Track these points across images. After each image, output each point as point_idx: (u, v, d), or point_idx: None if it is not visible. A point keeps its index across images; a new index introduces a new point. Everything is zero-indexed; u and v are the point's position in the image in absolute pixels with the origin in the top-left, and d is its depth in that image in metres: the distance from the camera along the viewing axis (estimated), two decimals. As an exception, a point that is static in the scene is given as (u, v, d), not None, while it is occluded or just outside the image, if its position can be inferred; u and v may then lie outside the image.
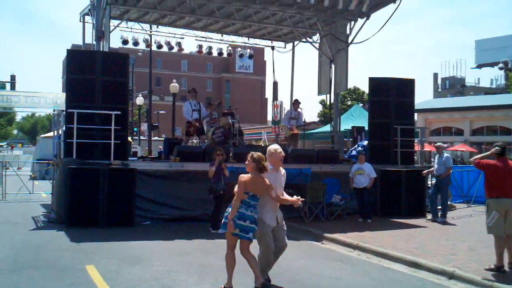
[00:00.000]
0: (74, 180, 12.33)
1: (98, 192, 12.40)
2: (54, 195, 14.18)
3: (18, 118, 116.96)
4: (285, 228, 7.43)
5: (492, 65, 75.49)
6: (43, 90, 43.86)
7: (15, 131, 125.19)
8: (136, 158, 16.26)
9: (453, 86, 78.84)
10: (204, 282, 7.57)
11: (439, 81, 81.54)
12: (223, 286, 6.88)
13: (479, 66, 79.07)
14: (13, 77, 38.70)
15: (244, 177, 6.92)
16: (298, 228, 12.73)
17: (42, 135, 38.57)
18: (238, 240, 6.91)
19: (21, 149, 76.58)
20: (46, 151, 26.48)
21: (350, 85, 62.85)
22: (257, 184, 6.92)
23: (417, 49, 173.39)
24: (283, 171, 7.50)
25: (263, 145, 27.47)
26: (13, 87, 37.26)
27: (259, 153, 7.12)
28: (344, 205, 14.52)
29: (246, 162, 7.06)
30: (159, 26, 20.51)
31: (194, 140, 17.46)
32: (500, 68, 69.47)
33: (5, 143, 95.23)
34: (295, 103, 18.45)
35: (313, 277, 8.09)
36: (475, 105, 48.36)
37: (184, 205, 13.75)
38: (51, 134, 23.71)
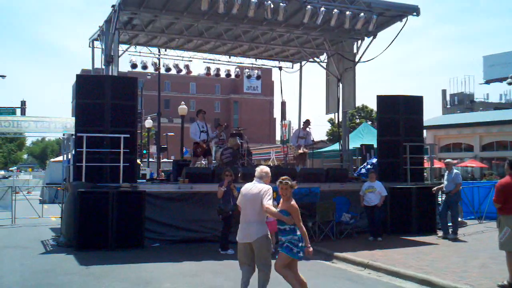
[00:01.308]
0: (83, 203, 12.37)
1: (108, 215, 12.43)
2: (64, 218, 14.20)
3: (28, 143, 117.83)
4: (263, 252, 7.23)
5: (500, 80, 75.10)
6: (52, 115, 44.27)
7: (25, 156, 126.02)
8: (145, 181, 16.32)
9: (462, 102, 78.49)
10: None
11: (448, 98, 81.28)
12: None
13: (488, 82, 78.78)
14: (23, 103, 39.02)
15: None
16: (308, 247, 12.62)
17: (52, 159, 38.81)
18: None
19: (31, 173, 76.99)
20: (55, 175, 26.63)
21: (358, 103, 62.87)
22: None
23: (424, 67, 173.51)
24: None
25: (271, 164, 27.49)
26: (23, 113, 37.59)
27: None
28: (354, 224, 14.44)
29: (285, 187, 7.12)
30: (167, 50, 20.66)
31: (202, 161, 17.50)
32: (509, 83, 69.13)
33: (15, 167, 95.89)
34: (306, 123, 18.48)
35: (323, 297, 8.02)
36: (484, 121, 48.13)
37: (193, 226, 13.73)
38: (60, 158, 23.84)
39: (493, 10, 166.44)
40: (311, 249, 7.02)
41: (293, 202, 7.09)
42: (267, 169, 7.56)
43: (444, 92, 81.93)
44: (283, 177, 7.21)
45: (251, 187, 7.35)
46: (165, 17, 17.09)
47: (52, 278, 9.27)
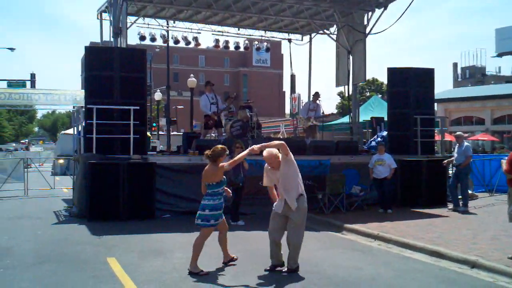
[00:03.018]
0: (94, 175, 12.47)
1: (118, 186, 12.54)
2: (75, 190, 14.34)
3: (39, 115, 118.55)
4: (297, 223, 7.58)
5: (513, 53, 74.26)
6: (62, 88, 44.36)
7: (36, 129, 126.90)
8: (155, 152, 16.36)
9: (473, 75, 77.65)
10: (225, 273, 7.61)
11: (459, 71, 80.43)
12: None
13: (500, 55, 77.71)
14: (33, 76, 39.19)
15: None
16: (318, 219, 12.71)
17: (63, 132, 39.01)
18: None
19: (42, 146, 77.55)
20: (66, 147, 26.82)
21: (369, 76, 62.55)
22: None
23: (435, 40, 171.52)
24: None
25: (281, 137, 27.47)
26: (33, 85, 37.71)
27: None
28: (364, 196, 14.46)
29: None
30: (176, 22, 20.53)
31: (212, 134, 17.50)
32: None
33: (26, 140, 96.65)
34: (315, 95, 18.37)
35: (333, 268, 8.07)
36: (495, 94, 47.68)
37: (204, 198, 13.78)
38: (71, 131, 23.97)
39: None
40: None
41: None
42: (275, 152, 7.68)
43: (455, 65, 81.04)
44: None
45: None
46: (174, -12, 16.91)
47: (65, 248, 9.39)
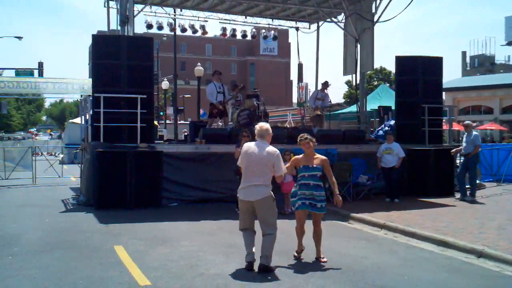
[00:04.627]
0: (102, 163, 12.51)
1: (126, 175, 12.59)
2: (83, 178, 14.41)
3: (47, 104, 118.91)
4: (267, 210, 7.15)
5: (523, 41, 73.55)
6: (70, 77, 44.40)
7: (44, 117, 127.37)
8: (162, 141, 16.40)
9: (482, 64, 76.91)
10: (231, 261, 7.62)
11: (468, 60, 79.72)
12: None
13: (510, 43, 76.84)
14: (40, 64, 39.18)
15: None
16: (324, 208, 12.69)
17: (70, 121, 39.14)
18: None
19: (50, 134, 77.87)
20: (74, 136, 26.93)
21: (376, 65, 62.05)
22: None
23: (444, 28, 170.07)
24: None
25: (288, 126, 27.42)
26: (41, 74, 37.78)
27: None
28: (371, 185, 14.43)
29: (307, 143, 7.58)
30: (183, 10, 20.49)
31: (219, 123, 17.51)
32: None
33: (35, 129, 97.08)
34: (324, 84, 18.31)
35: (339, 256, 8.08)
36: (504, 83, 47.25)
37: (210, 186, 13.84)
38: (78, 119, 24.05)
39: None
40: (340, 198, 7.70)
41: (321, 155, 7.68)
42: (268, 126, 7.40)
43: (464, 54, 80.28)
44: (301, 134, 7.61)
45: (256, 149, 7.13)
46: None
47: (72, 235, 9.45)
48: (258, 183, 7.04)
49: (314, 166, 7.53)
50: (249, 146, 7.26)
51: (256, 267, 7.03)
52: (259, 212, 7.09)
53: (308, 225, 7.72)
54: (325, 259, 7.63)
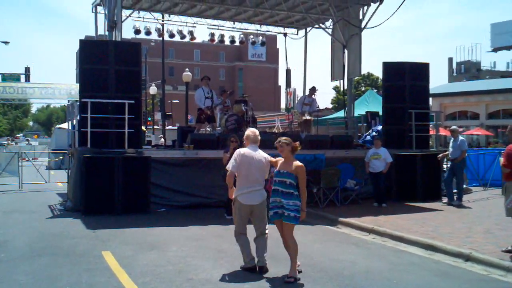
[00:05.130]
0: (89, 169, 12.44)
1: (113, 180, 12.53)
2: (70, 184, 14.29)
3: (33, 110, 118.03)
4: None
5: (508, 48, 74.26)
6: (57, 82, 44.15)
7: (30, 123, 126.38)
8: (150, 147, 16.34)
9: (468, 70, 77.63)
10: (220, 267, 7.60)
11: (454, 66, 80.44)
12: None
13: (495, 50, 77.76)
14: (27, 69, 38.93)
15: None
16: (312, 213, 12.70)
17: (57, 126, 38.88)
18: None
19: (37, 140, 77.22)
20: (61, 142, 26.74)
21: (364, 71, 62.60)
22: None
23: (431, 35, 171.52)
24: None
25: (276, 132, 27.45)
26: (27, 79, 37.54)
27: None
28: (359, 190, 14.48)
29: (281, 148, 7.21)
30: (171, 15, 20.49)
31: (207, 128, 17.49)
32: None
33: (22, 134, 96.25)
34: (312, 90, 18.37)
35: (328, 261, 8.09)
36: (490, 89, 47.77)
37: (199, 192, 13.81)
38: (66, 125, 23.89)
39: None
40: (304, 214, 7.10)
41: (298, 162, 7.16)
42: (258, 132, 7.66)
43: (450, 60, 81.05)
44: (278, 138, 7.36)
45: (254, 153, 7.33)
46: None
47: (59, 241, 9.38)
48: (260, 188, 7.32)
49: (284, 172, 7.06)
50: (248, 152, 7.36)
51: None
52: (258, 214, 7.31)
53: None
54: (297, 278, 6.96)
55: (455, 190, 14.35)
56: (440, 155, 15.07)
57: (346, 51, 20.23)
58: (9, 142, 56.37)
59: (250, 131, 7.62)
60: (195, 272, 7.31)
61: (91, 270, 7.35)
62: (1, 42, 39.51)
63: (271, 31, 22.86)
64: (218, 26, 21.35)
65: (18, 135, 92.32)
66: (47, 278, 6.96)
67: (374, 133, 17.51)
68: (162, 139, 28.99)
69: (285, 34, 22.33)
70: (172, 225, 11.16)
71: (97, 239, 9.64)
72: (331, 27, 21.16)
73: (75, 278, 6.93)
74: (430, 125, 17.97)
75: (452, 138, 14.69)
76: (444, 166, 16.40)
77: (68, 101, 23.22)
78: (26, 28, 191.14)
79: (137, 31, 19.92)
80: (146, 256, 8.22)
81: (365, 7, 19.19)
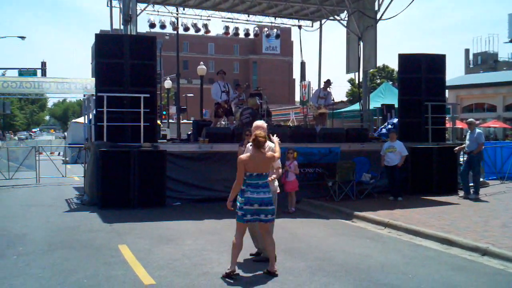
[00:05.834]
0: (105, 163, 12.53)
1: (129, 174, 12.60)
2: (87, 178, 14.43)
3: (50, 104, 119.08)
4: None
5: (526, 38, 73.39)
6: (73, 76, 44.49)
7: (47, 117, 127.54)
8: (165, 141, 16.41)
9: (485, 61, 76.84)
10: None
11: (471, 57, 79.61)
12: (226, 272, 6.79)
13: (513, 41, 76.81)
14: (43, 64, 39.21)
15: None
16: (327, 206, 12.72)
17: (73, 120, 39.21)
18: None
19: (53, 134, 77.93)
20: (77, 136, 26.96)
21: (379, 63, 62.03)
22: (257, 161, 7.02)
23: (447, 26, 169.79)
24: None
25: (291, 125, 27.41)
26: (44, 74, 37.84)
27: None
28: (374, 184, 14.41)
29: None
30: (185, 8, 20.47)
31: (222, 122, 17.52)
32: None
33: (38, 129, 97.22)
34: (327, 83, 18.28)
35: (343, 255, 8.08)
36: (508, 80, 47.16)
37: (214, 185, 13.84)
38: (82, 119, 24.08)
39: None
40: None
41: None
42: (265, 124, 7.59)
43: (467, 51, 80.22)
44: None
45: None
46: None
47: (77, 235, 9.47)
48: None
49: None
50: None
51: None
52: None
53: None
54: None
55: (471, 184, 14.22)
56: (457, 148, 14.94)
57: (361, 43, 20.09)
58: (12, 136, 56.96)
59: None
60: (210, 265, 7.35)
61: (108, 263, 7.42)
62: (17, 37, 39.94)
63: (286, 24, 22.76)
64: (232, 19, 21.33)
65: (34, 130, 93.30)
66: (64, 271, 7.04)
67: (389, 126, 17.40)
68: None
69: (299, 27, 22.22)
70: (188, 219, 11.22)
71: (113, 232, 9.73)
72: (346, 18, 21.02)
73: (92, 271, 7.01)
74: (447, 118, 17.81)
75: (469, 131, 14.55)
76: (461, 159, 16.26)
77: (84, 95, 23.43)
78: (41, 23, 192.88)
79: (152, 25, 19.96)
80: (162, 250, 8.28)
81: (381, -2, 19.01)
